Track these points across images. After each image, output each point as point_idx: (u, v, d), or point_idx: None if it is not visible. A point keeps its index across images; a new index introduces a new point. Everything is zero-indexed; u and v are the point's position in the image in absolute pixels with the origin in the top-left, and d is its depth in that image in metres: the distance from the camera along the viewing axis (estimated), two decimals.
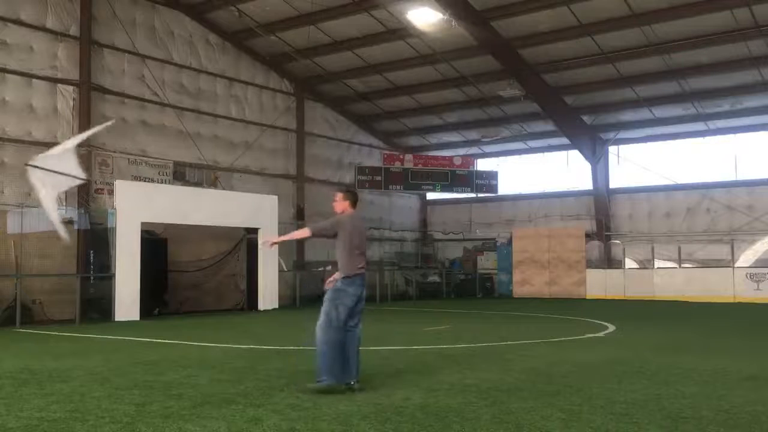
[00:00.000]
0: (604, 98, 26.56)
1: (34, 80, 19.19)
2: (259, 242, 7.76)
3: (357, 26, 22.75)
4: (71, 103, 19.78)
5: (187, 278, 20.27)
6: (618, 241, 28.60)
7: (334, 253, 7.54)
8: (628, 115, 27.59)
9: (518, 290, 28.20)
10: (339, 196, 7.63)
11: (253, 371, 8.45)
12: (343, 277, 7.27)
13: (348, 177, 29.38)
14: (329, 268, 7.84)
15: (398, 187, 29.77)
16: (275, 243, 7.95)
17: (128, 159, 21.03)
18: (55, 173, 7.74)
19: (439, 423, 5.68)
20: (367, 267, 7.62)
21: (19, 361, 9.66)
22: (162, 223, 19.04)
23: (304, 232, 7.66)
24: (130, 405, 6.41)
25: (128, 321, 16.77)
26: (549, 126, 28.12)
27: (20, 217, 17.08)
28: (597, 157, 28.79)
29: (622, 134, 28.75)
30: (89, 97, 20.06)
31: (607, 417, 5.90)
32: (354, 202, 7.62)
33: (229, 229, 20.78)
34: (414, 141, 32.40)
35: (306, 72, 26.35)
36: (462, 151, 31.54)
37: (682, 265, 26.24)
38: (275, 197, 21.84)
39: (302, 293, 23.22)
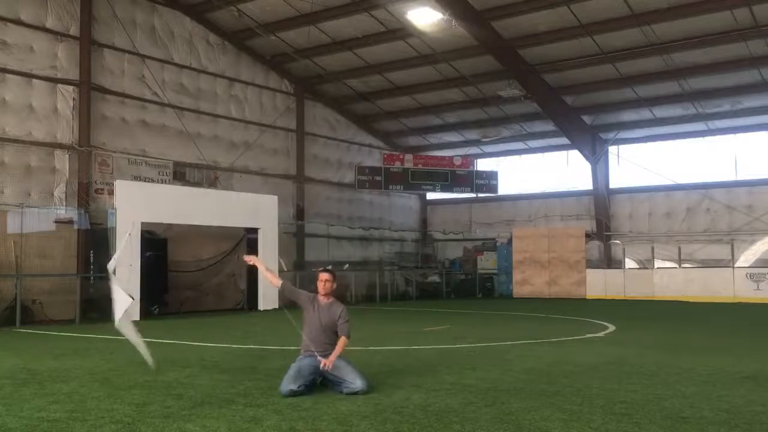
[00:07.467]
0: (604, 98, 26.56)
1: (34, 80, 19.18)
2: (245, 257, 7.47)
3: (357, 26, 22.74)
4: (71, 103, 19.78)
5: (187, 278, 20.27)
6: (618, 241, 28.59)
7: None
8: (628, 115, 27.59)
9: (518, 290, 28.17)
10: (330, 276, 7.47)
11: (253, 371, 8.45)
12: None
13: (348, 177, 29.39)
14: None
15: (398, 187, 29.78)
16: (253, 262, 7.94)
17: (128, 159, 21.03)
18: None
19: (439, 423, 5.68)
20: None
21: (19, 361, 9.66)
22: (162, 223, 19.05)
23: (276, 281, 7.60)
24: (130, 405, 6.41)
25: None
26: (549, 126, 28.11)
27: (20, 217, 17.08)
28: (597, 157, 28.78)
29: (622, 134, 28.75)
30: (89, 97, 20.06)
31: (607, 417, 5.90)
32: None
33: (229, 229, 20.80)
34: (414, 141, 32.39)
35: (306, 72, 26.35)
36: (462, 151, 31.53)
37: (682, 265, 26.23)
38: (275, 197, 21.85)
39: None
